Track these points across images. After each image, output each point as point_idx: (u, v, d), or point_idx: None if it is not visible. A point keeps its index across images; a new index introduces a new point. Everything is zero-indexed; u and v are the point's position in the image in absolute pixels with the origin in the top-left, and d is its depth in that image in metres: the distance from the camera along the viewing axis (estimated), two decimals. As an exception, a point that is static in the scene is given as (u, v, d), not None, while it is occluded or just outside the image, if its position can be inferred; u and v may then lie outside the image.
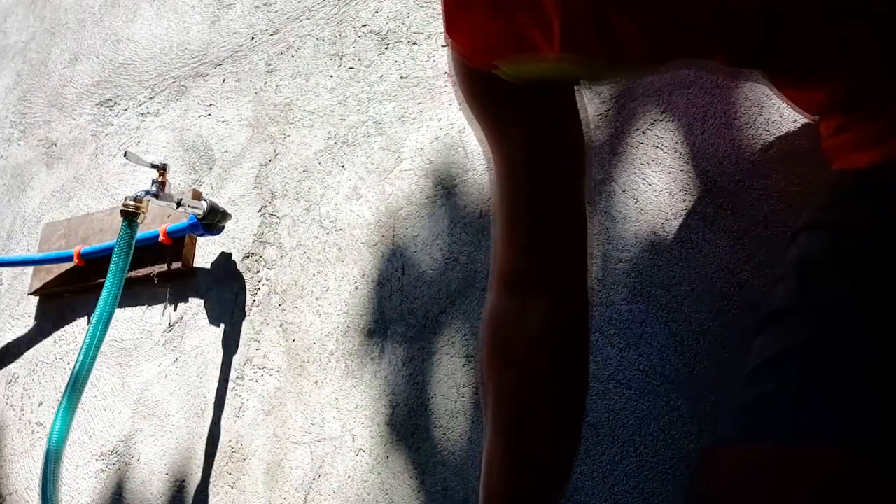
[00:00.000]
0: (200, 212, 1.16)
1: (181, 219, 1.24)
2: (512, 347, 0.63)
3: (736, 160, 0.83)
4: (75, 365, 1.08)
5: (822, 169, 0.72)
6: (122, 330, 1.30)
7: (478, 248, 0.97)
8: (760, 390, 0.49)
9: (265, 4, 1.40)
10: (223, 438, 1.11)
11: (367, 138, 1.15)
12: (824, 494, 0.43)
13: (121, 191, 1.44)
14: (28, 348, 1.43)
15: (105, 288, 1.12)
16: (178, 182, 1.36)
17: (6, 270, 1.56)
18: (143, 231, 1.19)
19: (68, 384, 1.08)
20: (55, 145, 1.63)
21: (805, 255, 0.56)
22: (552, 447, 0.62)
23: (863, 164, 0.57)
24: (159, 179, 1.10)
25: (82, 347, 1.09)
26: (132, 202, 1.14)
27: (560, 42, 0.53)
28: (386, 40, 1.20)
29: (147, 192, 1.14)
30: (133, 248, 1.15)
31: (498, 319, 0.65)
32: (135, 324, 1.30)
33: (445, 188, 1.04)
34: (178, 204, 1.13)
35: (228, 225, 1.24)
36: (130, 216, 1.14)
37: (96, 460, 1.22)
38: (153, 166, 1.16)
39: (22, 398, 1.39)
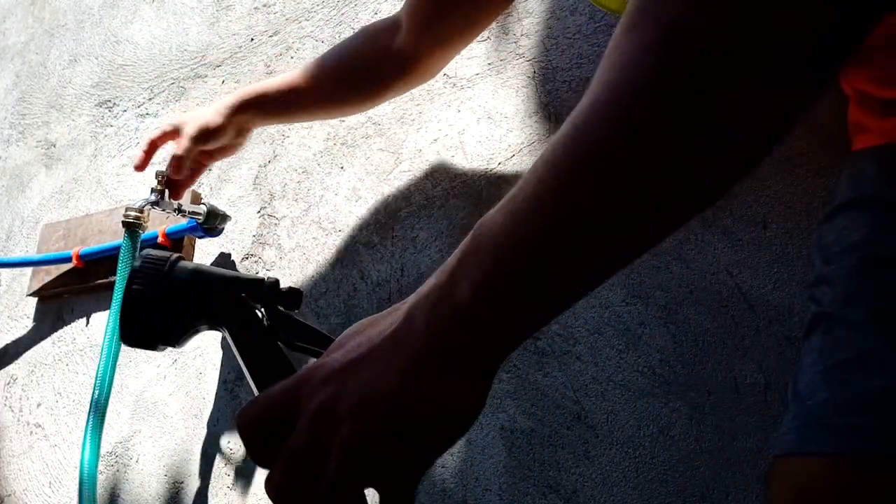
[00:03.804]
0: (200, 217, 1.16)
1: (180, 220, 1.24)
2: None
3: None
4: (96, 379, 1.08)
5: (824, 166, 0.72)
6: (120, 331, 1.30)
7: (477, 250, 0.97)
8: (838, 396, 0.47)
9: (264, 6, 1.40)
10: (222, 440, 1.11)
11: (366, 139, 1.15)
12: None
13: (120, 192, 1.44)
14: (27, 349, 1.43)
15: (114, 301, 1.12)
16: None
17: (5, 271, 1.56)
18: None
19: (91, 403, 1.08)
20: (54, 146, 1.63)
21: (854, 245, 0.52)
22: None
23: None
24: (158, 187, 1.11)
25: (100, 363, 1.09)
26: (133, 212, 1.14)
27: None
28: (385, 42, 1.20)
29: (147, 201, 1.14)
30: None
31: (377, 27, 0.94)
32: (134, 325, 1.29)
33: (444, 189, 1.04)
34: (178, 210, 1.13)
35: (227, 226, 1.24)
36: (132, 227, 1.14)
37: (95, 462, 1.22)
38: (157, 174, 1.16)
39: (20, 399, 1.39)
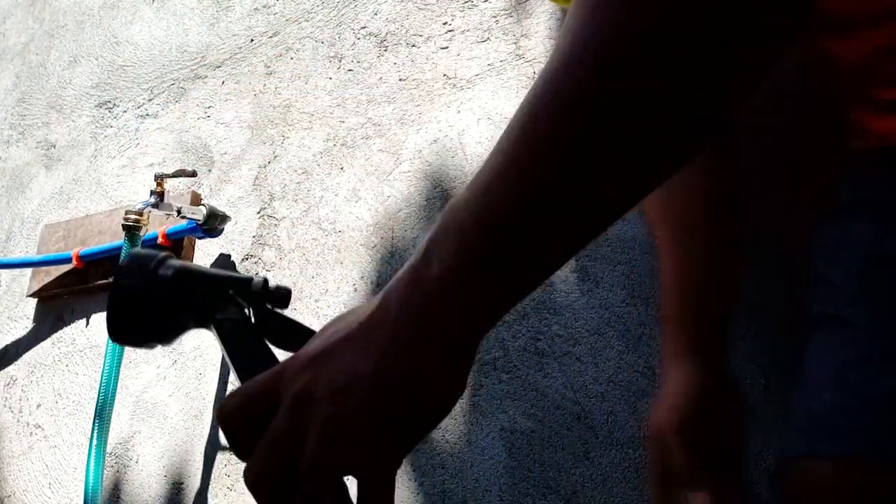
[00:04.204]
0: (200, 217, 1.16)
1: (180, 220, 1.24)
2: None
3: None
4: (100, 388, 1.07)
5: (826, 163, 0.72)
6: (120, 332, 1.30)
7: (477, 250, 0.97)
8: (842, 398, 0.47)
9: (264, 7, 1.40)
10: (222, 440, 1.11)
11: (366, 140, 1.15)
12: None
13: (119, 192, 1.44)
14: (26, 350, 1.43)
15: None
16: (176, 183, 1.36)
17: (5, 272, 1.56)
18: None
19: (95, 414, 1.07)
20: (54, 147, 1.63)
21: (855, 246, 0.52)
22: None
23: None
24: (157, 190, 1.11)
25: (104, 369, 1.08)
26: (133, 215, 1.13)
27: None
28: (385, 42, 1.20)
29: (146, 204, 1.14)
30: None
31: None
32: (133, 326, 1.29)
33: (444, 190, 1.04)
34: (178, 212, 1.13)
35: (227, 227, 1.24)
36: (132, 230, 1.13)
37: (95, 462, 1.22)
38: (156, 176, 1.16)
39: (20, 400, 1.39)
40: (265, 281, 0.48)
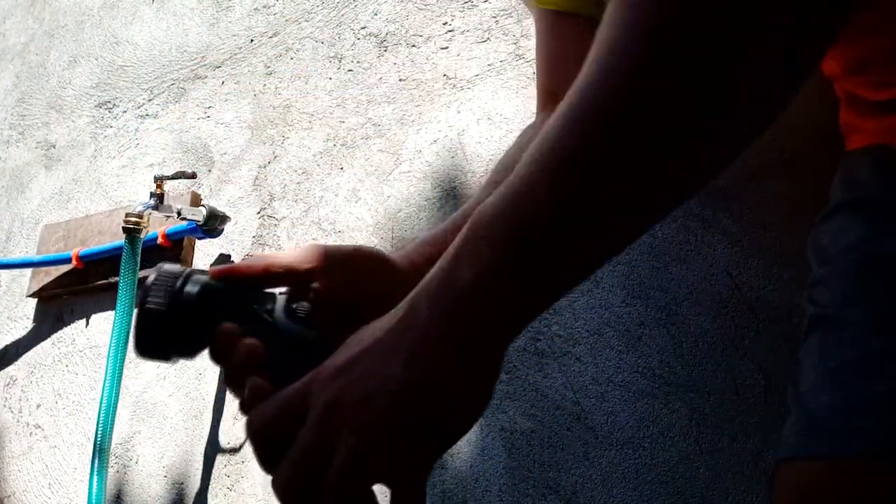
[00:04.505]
0: (200, 218, 1.16)
1: (180, 221, 1.24)
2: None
3: (735, 162, 0.83)
4: (98, 422, 1.07)
5: (824, 167, 0.72)
6: (120, 332, 1.30)
7: (476, 251, 0.97)
8: (841, 399, 0.47)
9: (264, 7, 1.40)
10: (222, 441, 1.11)
11: (366, 140, 1.15)
12: None
13: (119, 192, 1.44)
14: (26, 350, 1.43)
15: (117, 309, 1.12)
16: (176, 184, 1.36)
17: (4, 272, 1.56)
18: (141, 233, 1.19)
19: (95, 444, 1.07)
20: (54, 147, 1.63)
21: (851, 246, 0.52)
22: None
23: None
24: (157, 191, 1.10)
25: (106, 375, 1.08)
26: (133, 218, 1.13)
27: None
28: (385, 43, 1.20)
29: (146, 206, 1.13)
30: (139, 264, 1.15)
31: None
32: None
33: (444, 190, 1.04)
34: (178, 213, 1.13)
35: (227, 227, 1.24)
36: (132, 232, 1.13)
37: (95, 463, 1.22)
38: (155, 178, 1.16)
39: (20, 400, 1.39)
40: (289, 296, 0.49)
